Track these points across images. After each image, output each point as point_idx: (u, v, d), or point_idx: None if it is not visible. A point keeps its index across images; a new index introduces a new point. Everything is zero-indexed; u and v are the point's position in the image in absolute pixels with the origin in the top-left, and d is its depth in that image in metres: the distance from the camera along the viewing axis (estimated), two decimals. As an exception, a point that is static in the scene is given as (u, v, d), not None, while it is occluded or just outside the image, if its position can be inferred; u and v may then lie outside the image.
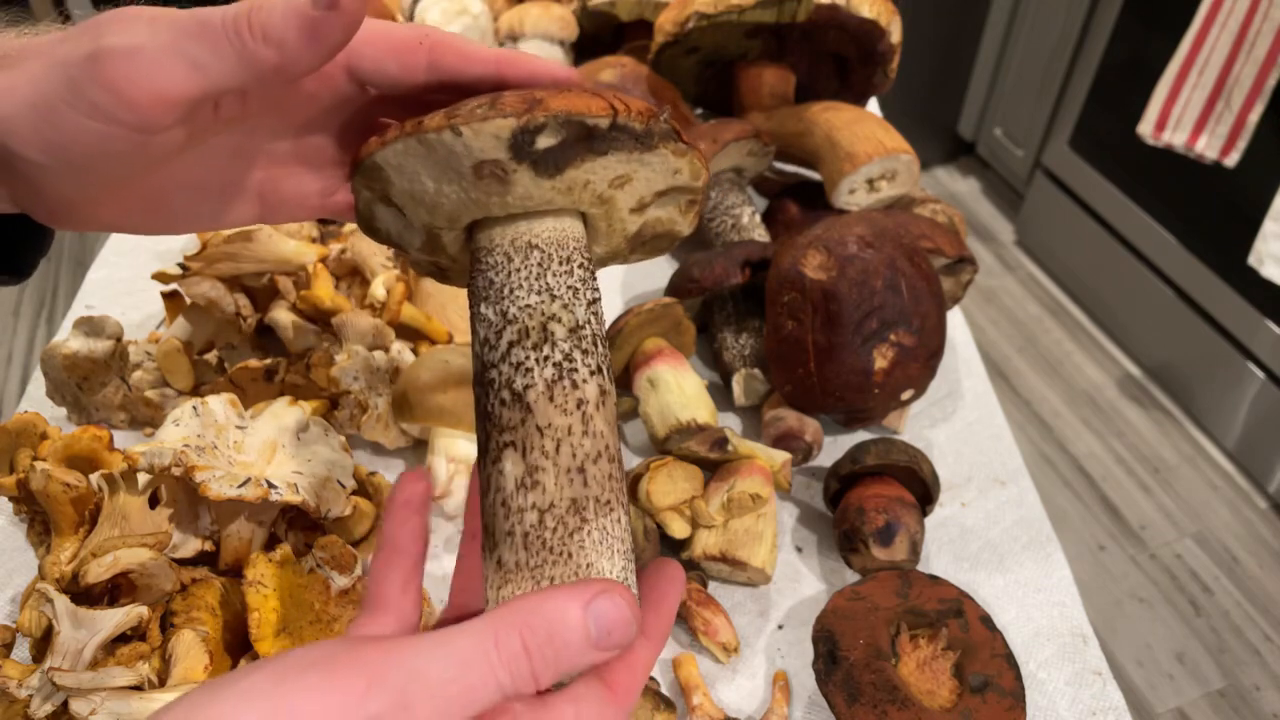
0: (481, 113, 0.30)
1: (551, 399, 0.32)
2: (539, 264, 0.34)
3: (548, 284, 0.34)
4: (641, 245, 0.40)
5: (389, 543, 0.34)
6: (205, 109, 0.32)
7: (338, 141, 0.38)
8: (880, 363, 0.64)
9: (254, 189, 0.38)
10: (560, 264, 0.34)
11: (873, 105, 1.06)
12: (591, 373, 0.33)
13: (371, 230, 0.37)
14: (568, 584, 0.30)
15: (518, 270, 0.34)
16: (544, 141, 0.31)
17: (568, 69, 0.35)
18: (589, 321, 0.34)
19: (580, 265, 0.35)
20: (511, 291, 0.34)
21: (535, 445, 0.32)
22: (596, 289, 0.35)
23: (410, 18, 1.02)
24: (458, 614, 0.36)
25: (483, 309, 0.34)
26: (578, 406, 0.33)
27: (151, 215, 0.36)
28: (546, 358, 0.33)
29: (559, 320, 0.33)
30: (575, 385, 0.33)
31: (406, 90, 0.35)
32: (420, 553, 0.34)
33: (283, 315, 0.70)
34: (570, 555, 0.31)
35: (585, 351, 0.34)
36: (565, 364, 0.33)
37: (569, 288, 0.34)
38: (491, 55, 0.34)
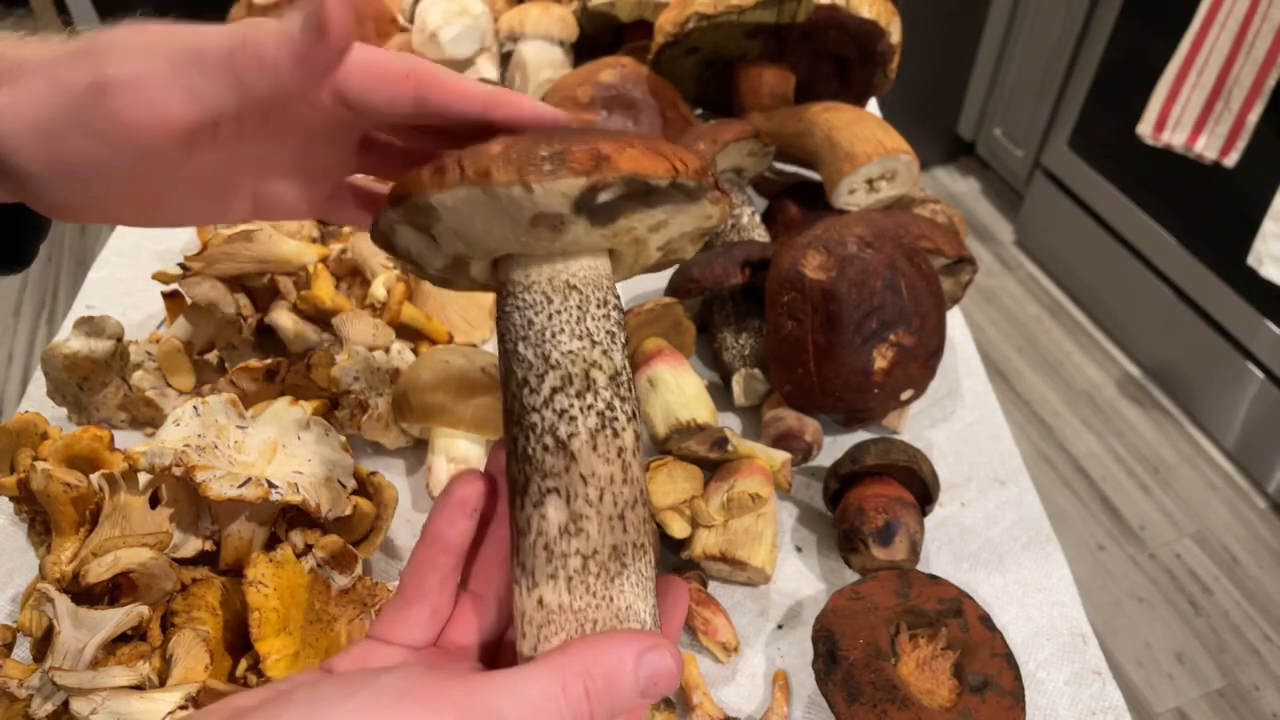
0: (551, 169, 0.30)
1: (595, 448, 0.33)
2: (578, 306, 0.34)
3: (588, 329, 0.34)
4: (648, 269, 0.41)
5: (436, 539, 0.35)
6: (204, 130, 0.32)
7: (330, 154, 0.39)
8: (880, 363, 0.64)
9: (248, 190, 0.39)
10: (598, 306, 0.35)
11: (872, 105, 1.06)
12: (629, 419, 0.35)
13: (388, 246, 0.36)
14: (621, 633, 0.31)
15: (558, 313, 0.34)
16: (604, 197, 0.32)
17: (555, 111, 0.36)
18: (625, 367, 0.35)
19: (614, 307, 0.36)
20: (554, 336, 0.34)
21: (579, 494, 0.33)
22: (624, 325, 0.36)
23: (411, 19, 1.02)
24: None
25: (521, 349, 0.34)
26: (618, 455, 0.34)
27: (147, 212, 0.37)
28: (590, 406, 0.34)
29: (600, 368, 0.34)
30: (616, 434, 0.34)
31: (392, 119, 0.36)
32: (462, 553, 0.35)
33: (283, 315, 0.70)
34: (612, 600, 0.33)
35: (623, 399, 0.35)
36: (608, 412, 0.34)
37: (607, 332, 0.35)
38: (479, 94, 0.35)
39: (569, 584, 0.32)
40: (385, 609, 0.35)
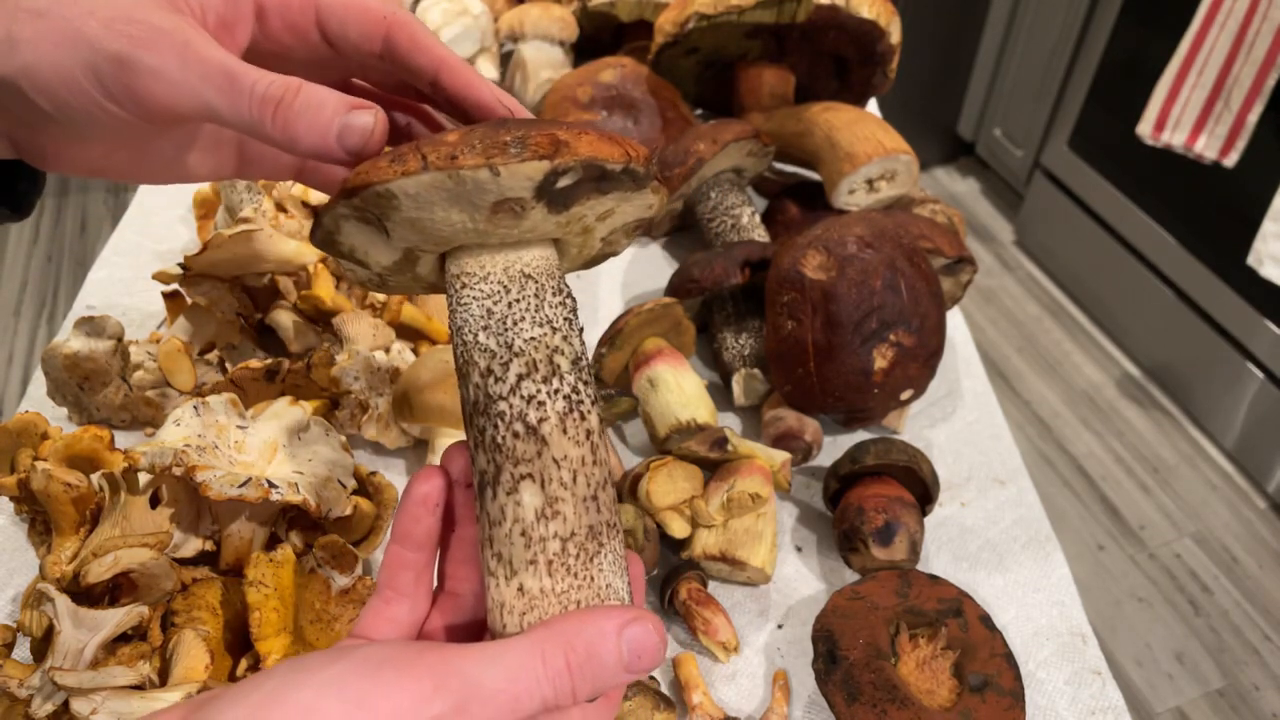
0: (515, 153, 0.31)
1: (565, 431, 0.34)
2: (535, 294, 0.35)
3: (547, 315, 0.35)
4: (586, 263, 0.42)
5: (404, 538, 0.35)
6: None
7: None
8: (880, 363, 0.64)
9: (234, 143, 0.40)
10: (553, 294, 0.36)
11: (872, 105, 1.06)
12: (593, 403, 0.35)
13: (329, 243, 0.36)
14: (603, 608, 0.32)
15: (517, 301, 0.35)
16: (564, 182, 0.32)
17: (497, 100, 0.37)
18: (584, 353, 0.36)
19: (568, 295, 0.37)
20: (515, 324, 0.34)
21: (553, 477, 0.33)
22: (577, 313, 0.37)
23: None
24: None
25: (483, 339, 0.35)
26: (586, 437, 0.34)
27: (136, 165, 0.38)
28: (557, 390, 0.34)
29: (562, 353, 0.35)
30: (584, 416, 0.34)
31: (362, 59, 0.37)
32: (432, 548, 0.36)
33: (283, 315, 0.70)
34: (592, 579, 0.33)
35: (586, 383, 0.35)
36: (573, 396, 0.34)
37: (565, 319, 0.36)
38: (437, 55, 0.36)
39: (549, 567, 0.33)
40: (366, 609, 0.35)
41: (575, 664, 0.29)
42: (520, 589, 0.33)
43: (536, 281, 0.35)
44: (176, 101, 0.31)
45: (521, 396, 0.34)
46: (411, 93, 0.40)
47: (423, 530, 0.35)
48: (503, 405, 0.34)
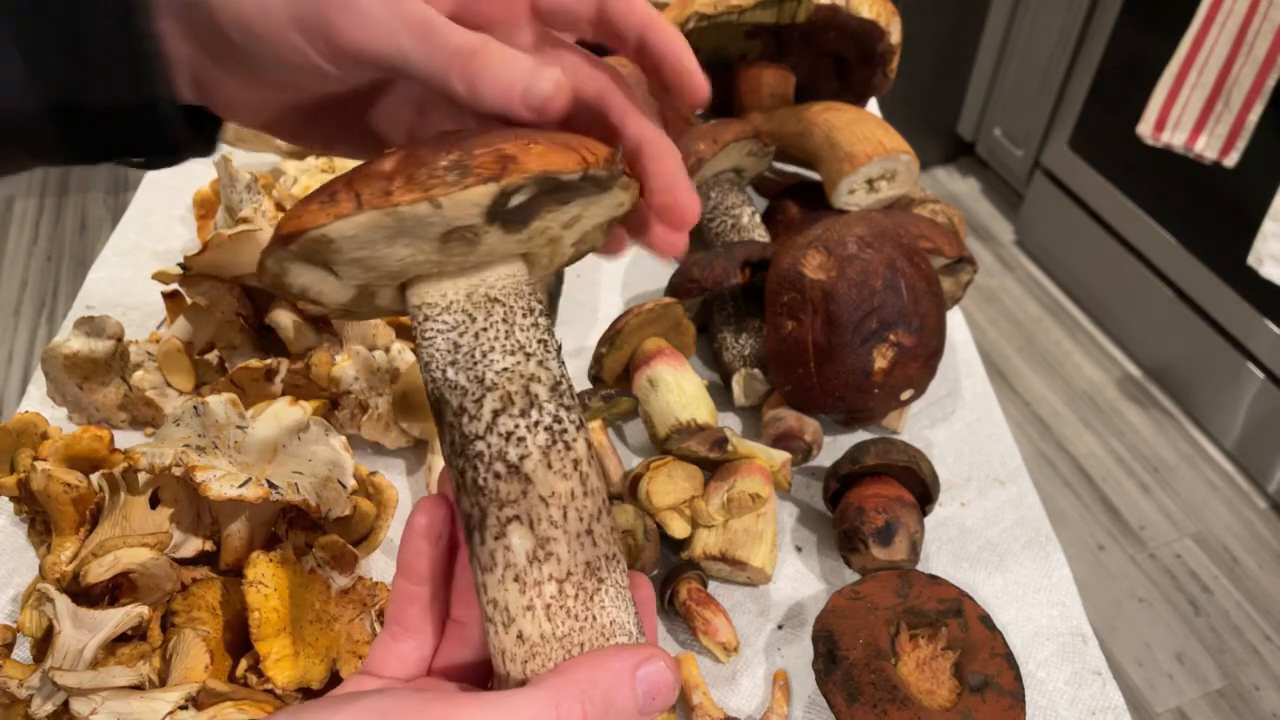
0: (455, 179, 0.28)
1: (550, 466, 0.31)
2: (504, 320, 0.33)
3: (519, 341, 0.32)
4: (563, 265, 0.39)
5: (408, 571, 0.34)
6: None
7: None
8: (880, 363, 0.64)
9: (408, 113, 0.39)
10: (524, 315, 0.33)
11: (872, 105, 1.06)
12: (578, 428, 0.33)
13: (279, 287, 0.33)
14: (614, 649, 0.30)
15: (484, 330, 0.32)
16: (516, 200, 0.30)
17: (697, 66, 0.35)
18: (563, 375, 0.33)
19: (540, 312, 0.34)
20: (485, 355, 0.32)
21: (542, 516, 0.31)
22: (553, 330, 0.35)
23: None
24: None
25: (452, 374, 0.32)
26: (574, 468, 0.32)
27: (308, 123, 0.38)
28: (537, 423, 0.32)
29: (539, 380, 0.32)
30: (568, 446, 0.32)
31: (571, 24, 0.35)
32: (437, 580, 0.35)
33: (283, 315, 0.70)
34: (595, 618, 0.31)
35: (568, 408, 0.33)
36: (555, 426, 0.32)
37: (539, 341, 0.33)
38: (645, 13, 0.34)
39: (547, 611, 0.31)
40: (375, 644, 0.34)
41: (592, 714, 0.28)
42: (520, 636, 0.31)
43: (504, 305, 0.33)
44: (371, 42, 0.30)
45: (499, 434, 0.31)
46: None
47: (425, 562, 0.34)
48: (480, 445, 0.31)
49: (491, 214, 0.30)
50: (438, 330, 0.32)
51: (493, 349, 0.32)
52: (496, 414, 0.31)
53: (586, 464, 0.33)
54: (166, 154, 0.37)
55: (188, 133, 0.35)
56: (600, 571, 0.32)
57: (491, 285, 0.33)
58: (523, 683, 0.31)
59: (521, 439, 0.31)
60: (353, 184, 0.29)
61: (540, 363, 0.33)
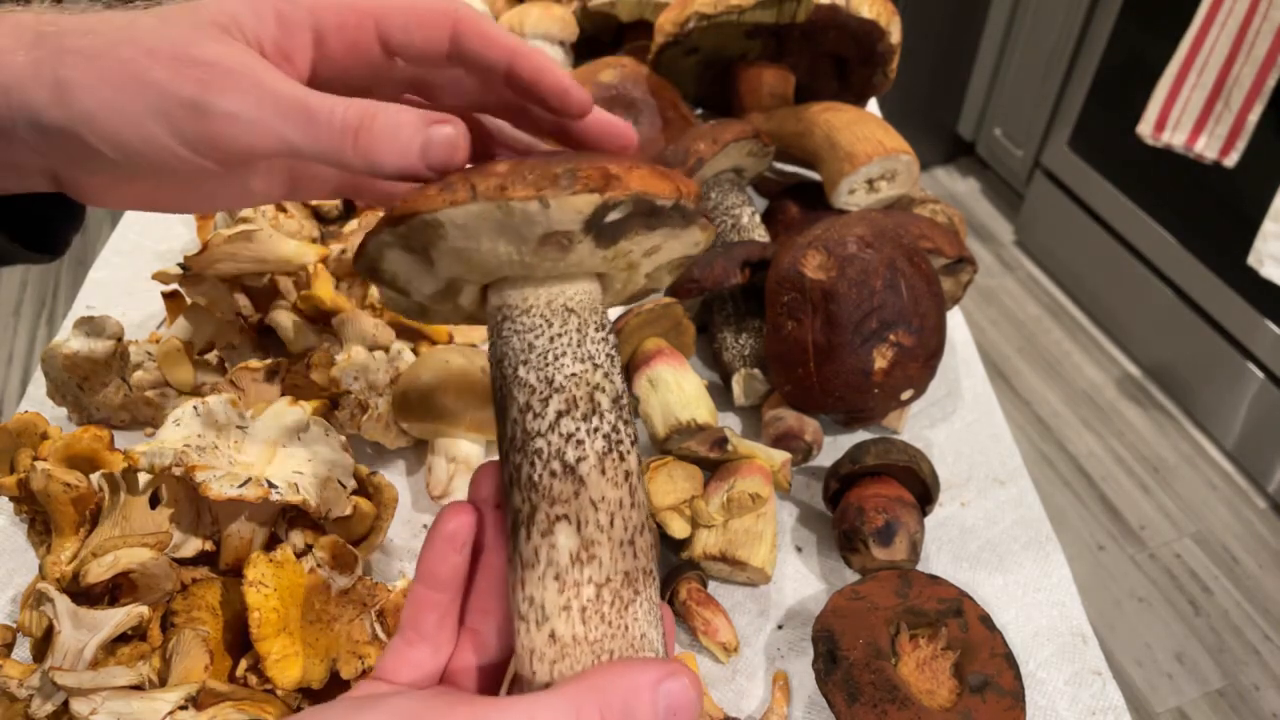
0: (566, 185, 0.30)
1: (603, 472, 0.33)
2: (578, 329, 0.34)
3: (589, 351, 0.34)
4: (629, 299, 0.41)
5: (429, 577, 0.34)
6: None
7: None
8: (880, 363, 0.64)
9: (285, 169, 0.39)
10: (596, 329, 0.35)
11: (872, 105, 1.06)
12: (632, 443, 0.34)
13: (372, 270, 0.35)
14: (639, 660, 0.31)
15: (559, 335, 0.34)
16: (613, 216, 0.32)
17: (574, 85, 0.36)
18: (624, 391, 0.35)
19: (609, 330, 0.36)
20: (556, 359, 0.34)
21: (590, 519, 0.32)
22: (619, 350, 0.36)
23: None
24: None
25: (523, 373, 0.34)
26: (625, 478, 0.33)
27: (184, 198, 0.38)
28: (596, 429, 0.33)
29: (603, 390, 0.34)
30: (622, 458, 0.33)
31: (428, 65, 0.36)
32: (458, 588, 0.35)
33: (283, 315, 0.70)
34: (627, 628, 0.32)
35: (626, 422, 0.34)
36: (613, 435, 0.34)
37: (607, 355, 0.35)
38: (508, 44, 0.35)
39: (583, 614, 0.31)
40: (388, 649, 0.34)
41: None
42: (552, 635, 0.31)
43: (579, 316, 0.35)
44: (254, 142, 0.30)
45: (560, 434, 0.33)
46: (478, 98, 0.39)
47: (449, 569, 0.34)
48: (540, 442, 0.33)
49: (589, 224, 0.32)
50: (515, 330, 0.34)
51: (564, 354, 0.34)
52: (560, 415, 0.33)
53: (636, 478, 0.34)
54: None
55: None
56: (637, 584, 0.33)
57: (570, 297, 0.35)
58: (548, 684, 0.31)
59: (580, 442, 0.33)
60: (469, 177, 0.30)
61: (606, 374, 0.34)
